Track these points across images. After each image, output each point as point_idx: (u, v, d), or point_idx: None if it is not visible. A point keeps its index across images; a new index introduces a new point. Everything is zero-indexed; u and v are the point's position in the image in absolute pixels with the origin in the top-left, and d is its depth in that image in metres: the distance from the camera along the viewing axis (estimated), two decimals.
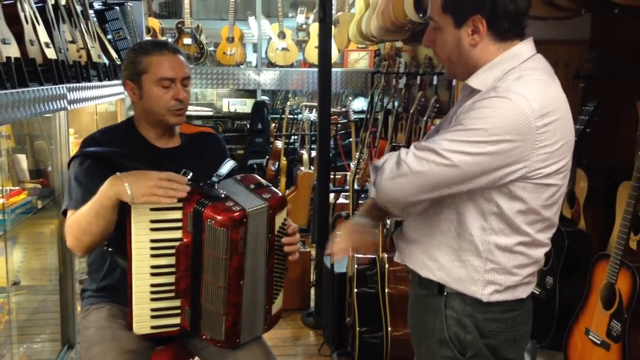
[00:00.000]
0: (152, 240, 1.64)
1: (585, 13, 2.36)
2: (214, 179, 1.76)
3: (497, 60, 1.38)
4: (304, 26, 7.69)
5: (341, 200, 4.68)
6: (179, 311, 1.73)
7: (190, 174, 1.66)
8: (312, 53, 6.73)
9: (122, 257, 1.70)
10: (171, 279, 1.68)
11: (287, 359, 3.31)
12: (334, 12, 5.92)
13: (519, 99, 1.30)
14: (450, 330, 1.48)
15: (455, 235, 1.44)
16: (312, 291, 3.97)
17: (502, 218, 1.39)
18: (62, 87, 2.30)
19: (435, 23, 1.41)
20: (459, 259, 1.44)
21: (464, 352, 1.48)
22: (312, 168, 5.49)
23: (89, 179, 1.75)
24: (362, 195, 4.77)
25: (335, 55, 6.70)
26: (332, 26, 4.71)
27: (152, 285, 1.68)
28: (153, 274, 1.67)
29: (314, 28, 6.74)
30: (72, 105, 2.45)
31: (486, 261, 1.42)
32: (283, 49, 6.98)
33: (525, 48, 1.39)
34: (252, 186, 1.78)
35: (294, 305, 3.89)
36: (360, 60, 6.89)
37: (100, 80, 2.94)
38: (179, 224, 1.64)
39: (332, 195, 4.34)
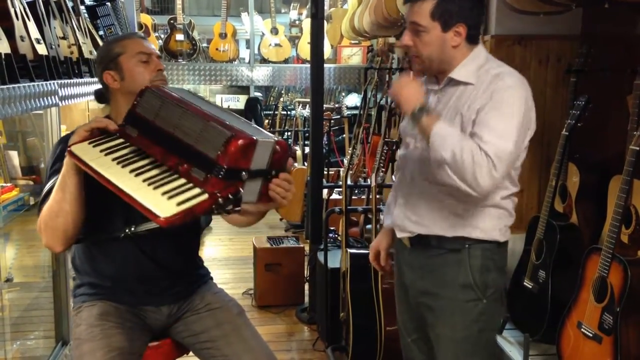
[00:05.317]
0: (114, 159, 1.53)
1: (576, 8, 2.37)
2: None
3: (469, 59, 1.74)
4: (297, 22, 7.69)
5: (334, 196, 4.69)
6: (190, 184, 1.43)
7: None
8: (304, 49, 6.72)
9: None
10: (159, 169, 1.49)
11: (282, 354, 3.32)
12: (326, 8, 5.93)
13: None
14: (474, 275, 1.79)
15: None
16: (306, 287, 3.98)
17: (508, 175, 1.76)
18: (54, 83, 2.29)
19: (422, 27, 1.69)
20: (482, 214, 1.77)
21: (485, 292, 1.81)
22: (306, 164, 5.49)
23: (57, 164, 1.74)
24: (355, 191, 4.77)
25: (328, 51, 6.70)
26: (325, 22, 4.70)
27: (145, 180, 1.46)
28: (137, 174, 1.48)
29: (307, 24, 6.73)
30: (63, 101, 2.44)
31: (500, 209, 1.79)
32: (276, 45, 6.97)
33: (482, 49, 1.78)
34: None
35: (288, 300, 3.90)
36: (353, 56, 6.89)
37: (91, 76, 2.93)
38: (126, 144, 1.57)
39: (325, 191, 4.35)
